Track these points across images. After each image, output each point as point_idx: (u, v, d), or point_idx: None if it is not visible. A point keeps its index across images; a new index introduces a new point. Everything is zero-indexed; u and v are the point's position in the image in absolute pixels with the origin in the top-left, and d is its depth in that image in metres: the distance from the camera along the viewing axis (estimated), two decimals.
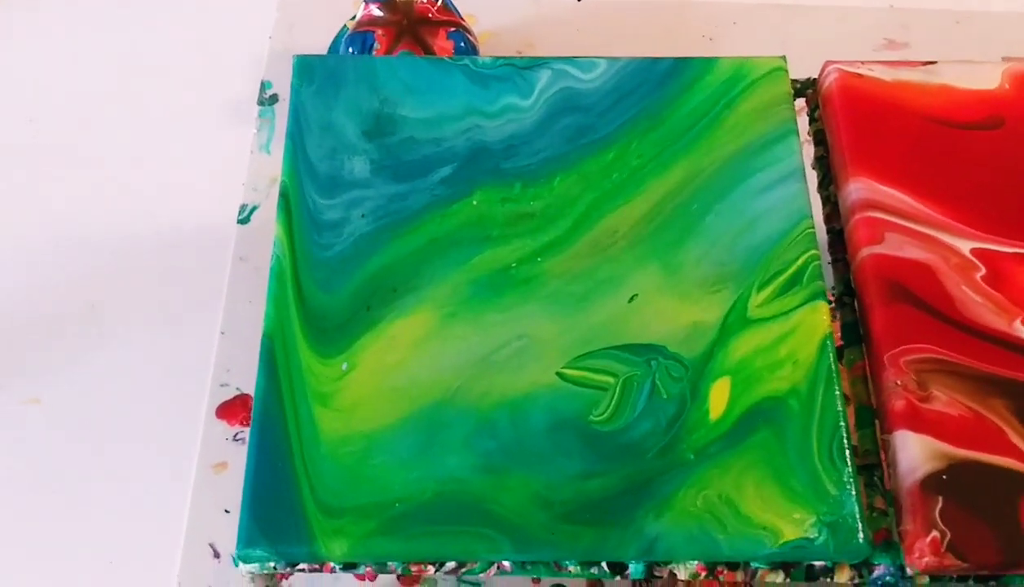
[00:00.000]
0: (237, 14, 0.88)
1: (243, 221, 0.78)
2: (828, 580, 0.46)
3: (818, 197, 0.57)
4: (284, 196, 0.52)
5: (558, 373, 0.48)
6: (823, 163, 0.58)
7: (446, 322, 0.49)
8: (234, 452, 0.69)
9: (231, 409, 0.72)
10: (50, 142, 0.82)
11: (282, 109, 0.80)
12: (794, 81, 0.60)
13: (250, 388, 0.61)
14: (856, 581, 0.46)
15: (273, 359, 0.48)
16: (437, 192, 0.53)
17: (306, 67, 0.57)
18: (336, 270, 0.50)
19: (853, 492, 0.45)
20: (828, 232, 0.56)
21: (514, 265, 0.51)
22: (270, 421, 0.46)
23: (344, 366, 0.48)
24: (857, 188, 0.54)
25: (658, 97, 0.56)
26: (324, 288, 0.50)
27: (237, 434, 0.71)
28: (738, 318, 0.49)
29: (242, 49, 0.86)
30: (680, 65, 0.57)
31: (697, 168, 0.54)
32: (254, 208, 0.78)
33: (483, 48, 0.84)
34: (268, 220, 0.72)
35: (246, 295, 0.75)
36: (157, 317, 0.75)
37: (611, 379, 0.48)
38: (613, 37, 0.86)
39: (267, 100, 0.84)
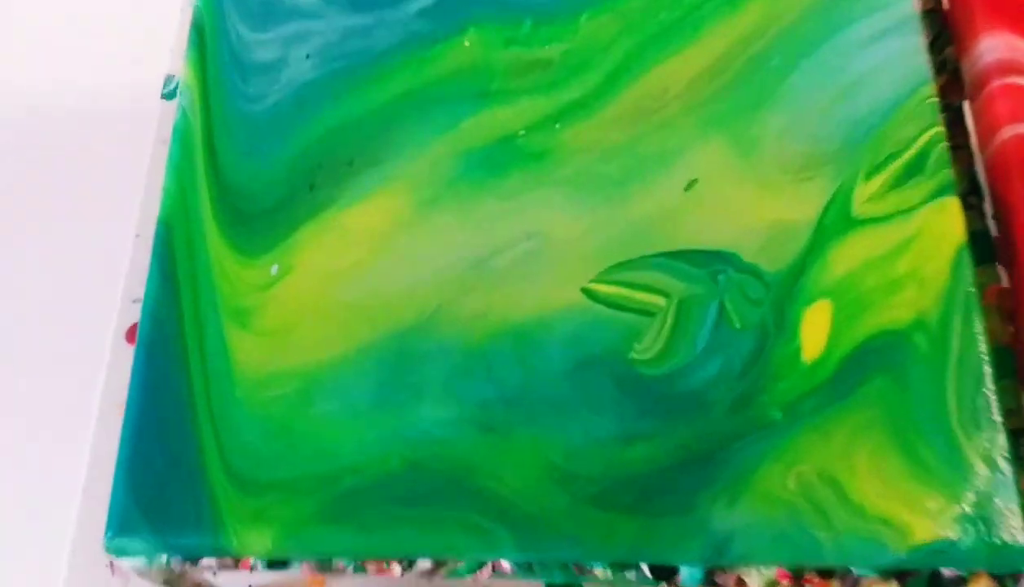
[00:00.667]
0: None
1: (168, 96, 0.61)
2: None
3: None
4: (197, 26, 0.36)
5: (585, 289, 0.33)
6: (934, 18, 0.42)
7: (423, 211, 0.34)
8: None
9: None
10: None
11: None
12: None
13: None
14: None
15: (171, 256, 0.33)
16: (414, 28, 0.37)
17: None
18: (268, 132, 0.34)
19: (1010, 472, 0.30)
20: (943, 110, 0.40)
21: (522, 133, 0.35)
22: (162, 348, 0.31)
23: (274, 269, 0.32)
24: (993, 46, 0.38)
25: None
26: (250, 156, 0.34)
27: None
28: (839, 217, 0.34)
29: None
30: None
31: (777, 8, 0.38)
32: None
33: None
34: None
35: None
36: (57, 213, 0.58)
37: (661, 300, 0.33)
38: None
39: None
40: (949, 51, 0.41)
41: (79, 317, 0.56)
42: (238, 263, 0.32)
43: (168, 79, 0.62)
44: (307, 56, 0.36)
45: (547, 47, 0.37)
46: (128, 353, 0.54)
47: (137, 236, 0.57)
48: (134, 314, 0.55)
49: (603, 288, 0.33)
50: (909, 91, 0.37)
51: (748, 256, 0.33)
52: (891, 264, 0.33)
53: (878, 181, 0.35)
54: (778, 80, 0.36)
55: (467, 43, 0.36)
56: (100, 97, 0.62)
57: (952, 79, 0.41)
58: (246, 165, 0.34)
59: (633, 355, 0.32)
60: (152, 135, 0.60)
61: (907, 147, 0.35)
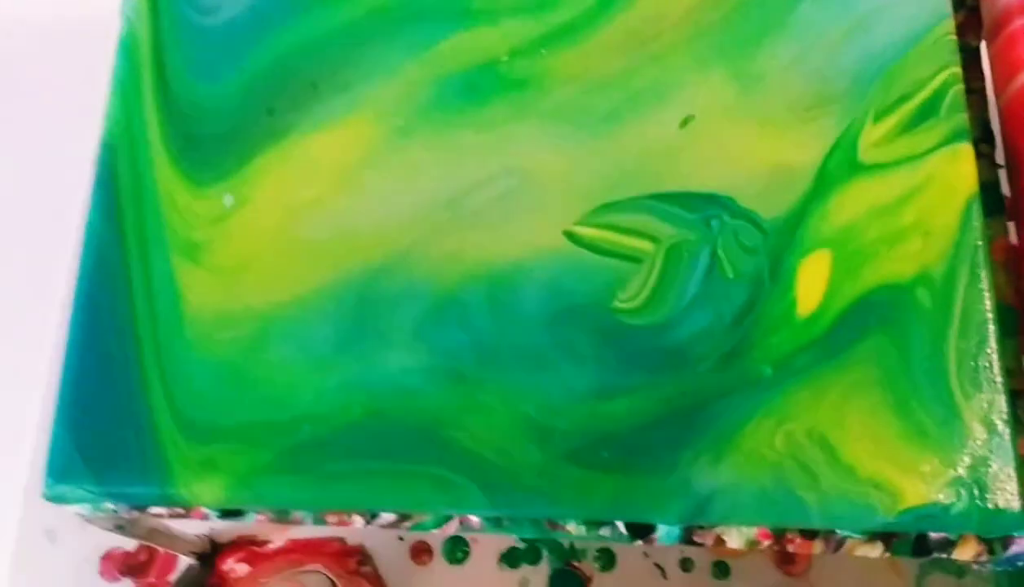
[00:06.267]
0: None
1: None
2: (943, 556, 0.33)
3: None
4: None
5: (567, 232, 0.33)
6: None
7: (394, 142, 0.34)
8: None
9: None
10: None
11: None
12: None
13: None
14: (983, 559, 0.33)
15: (114, 182, 0.32)
16: None
17: None
18: (222, 47, 0.34)
19: (1007, 434, 0.31)
20: (959, 51, 0.41)
21: (505, 59, 0.35)
22: (104, 285, 0.31)
23: (228, 200, 0.32)
24: None
25: None
26: (202, 74, 0.34)
27: None
28: (844, 161, 0.35)
29: None
30: None
31: None
32: None
33: None
34: None
35: None
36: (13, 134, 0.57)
37: (649, 245, 0.33)
38: None
39: None
40: None
41: (34, 251, 0.55)
42: (188, 192, 0.32)
43: None
44: None
45: None
46: None
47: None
48: None
49: (587, 231, 0.33)
50: (926, 26, 0.37)
51: (745, 201, 0.34)
52: (896, 214, 0.34)
53: (888, 124, 0.35)
54: (786, 9, 0.37)
55: None
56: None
57: (970, 17, 0.41)
58: (198, 84, 0.34)
59: (616, 304, 0.32)
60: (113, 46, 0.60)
61: (921, 88, 0.36)
